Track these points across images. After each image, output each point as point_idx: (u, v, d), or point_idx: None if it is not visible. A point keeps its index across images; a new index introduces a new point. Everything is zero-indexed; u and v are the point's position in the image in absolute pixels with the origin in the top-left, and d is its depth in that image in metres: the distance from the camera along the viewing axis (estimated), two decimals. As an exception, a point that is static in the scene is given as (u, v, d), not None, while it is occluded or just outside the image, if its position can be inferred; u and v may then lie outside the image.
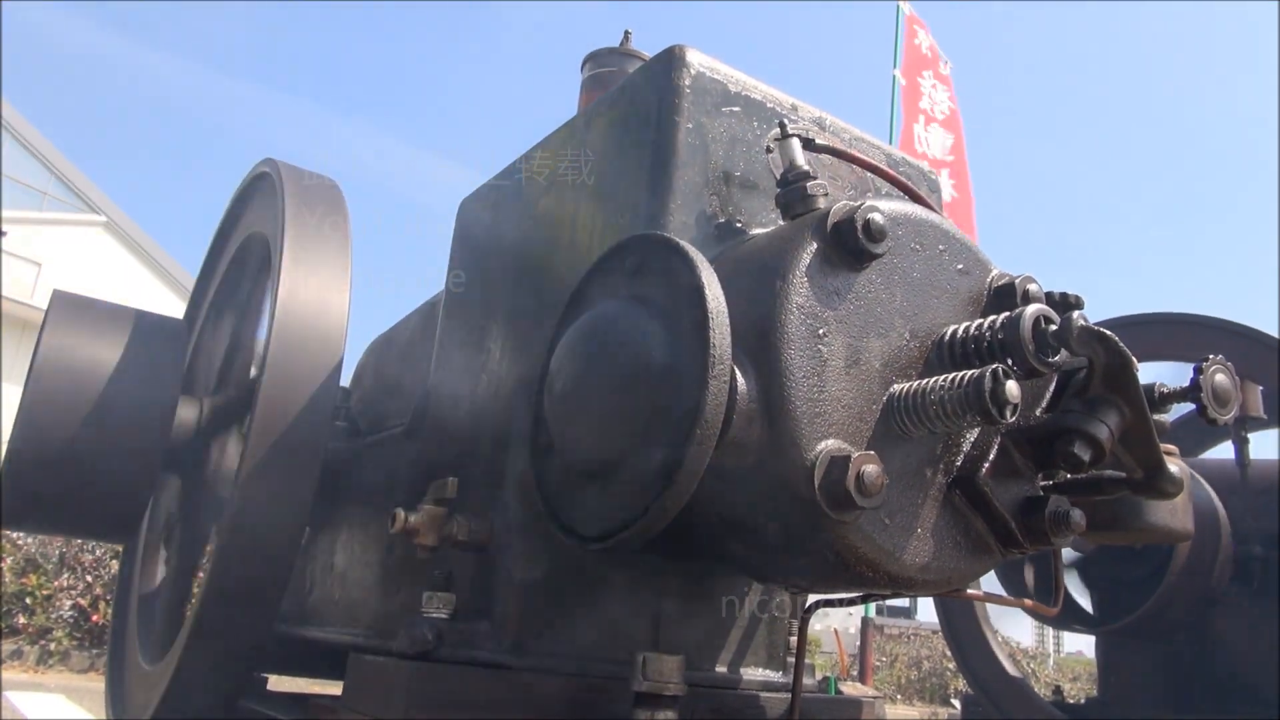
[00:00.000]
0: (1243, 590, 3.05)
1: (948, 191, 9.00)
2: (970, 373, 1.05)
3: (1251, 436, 3.27)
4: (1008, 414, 1.03)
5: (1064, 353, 1.15)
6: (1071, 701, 3.75)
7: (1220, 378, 1.28)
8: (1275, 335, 3.24)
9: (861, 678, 8.92)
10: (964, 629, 3.62)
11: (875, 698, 1.66)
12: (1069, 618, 3.31)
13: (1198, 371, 1.28)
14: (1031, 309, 1.14)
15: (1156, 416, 1.24)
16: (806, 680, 1.51)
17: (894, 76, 9.01)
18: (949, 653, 4.09)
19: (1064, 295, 1.32)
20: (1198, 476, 3.13)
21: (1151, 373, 1.31)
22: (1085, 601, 3.37)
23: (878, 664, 14.05)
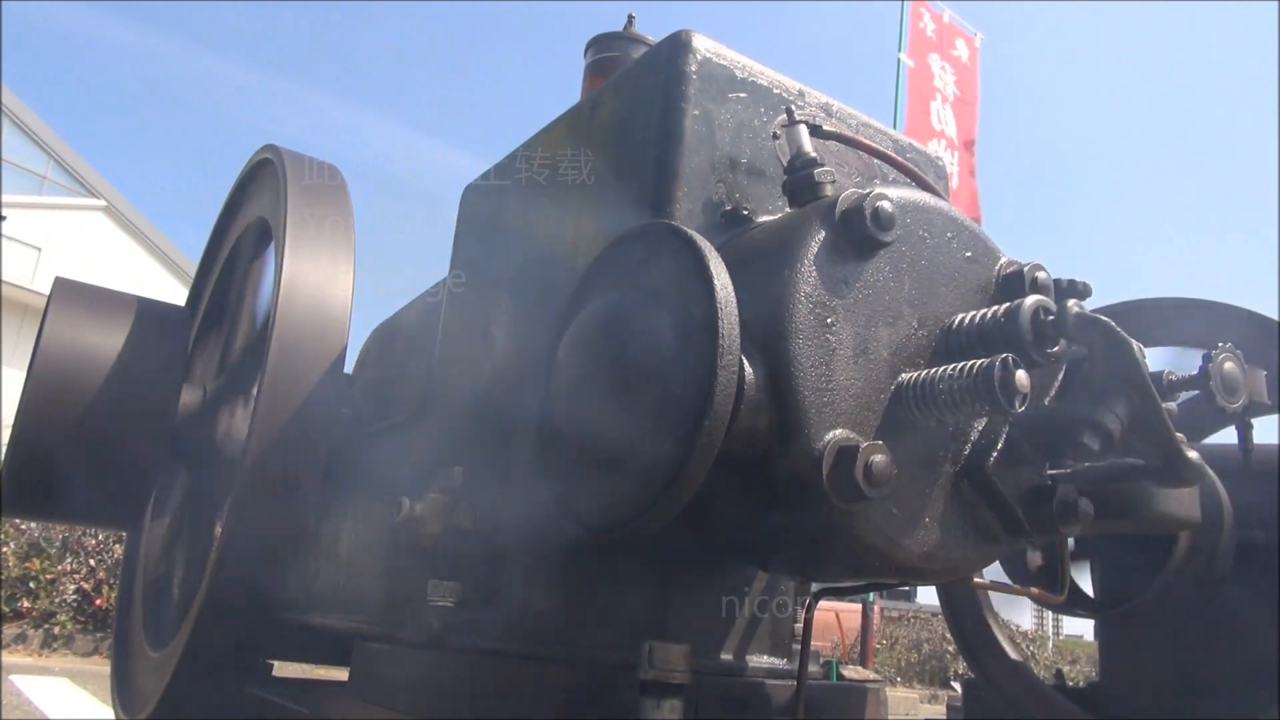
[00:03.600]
0: (1244, 576, 3.05)
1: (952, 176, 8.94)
2: (980, 362, 1.05)
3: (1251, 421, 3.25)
4: (1017, 404, 1.02)
5: (1064, 342, 1.14)
6: (1072, 685, 3.76)
7: (1229, 366, 1.28)
8: (1276, 318, 3.22)
9: (862, 661, 8.97)
10: (965, 614, 3.63)
11: (876, 681, 1.67)
12: (1070, 603, 3.31)
13: (1206, 360, 1.27)
14: (1030, 300, 1.13)
15: (1165, 405, 1.23)
16: (809, 667, 1.52)
17: (899, 59, 8.92)
18: (949, 635, 4.10)
19: (1071, 282, 1.31)
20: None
21: (1156, 357, 1.30)
22: (1086, 585, 3.37)
23: (878, 646, 14.11)
